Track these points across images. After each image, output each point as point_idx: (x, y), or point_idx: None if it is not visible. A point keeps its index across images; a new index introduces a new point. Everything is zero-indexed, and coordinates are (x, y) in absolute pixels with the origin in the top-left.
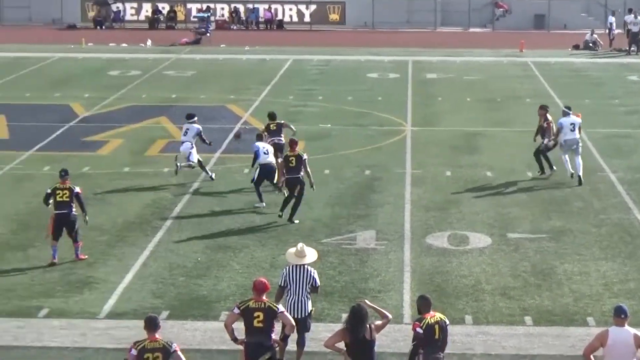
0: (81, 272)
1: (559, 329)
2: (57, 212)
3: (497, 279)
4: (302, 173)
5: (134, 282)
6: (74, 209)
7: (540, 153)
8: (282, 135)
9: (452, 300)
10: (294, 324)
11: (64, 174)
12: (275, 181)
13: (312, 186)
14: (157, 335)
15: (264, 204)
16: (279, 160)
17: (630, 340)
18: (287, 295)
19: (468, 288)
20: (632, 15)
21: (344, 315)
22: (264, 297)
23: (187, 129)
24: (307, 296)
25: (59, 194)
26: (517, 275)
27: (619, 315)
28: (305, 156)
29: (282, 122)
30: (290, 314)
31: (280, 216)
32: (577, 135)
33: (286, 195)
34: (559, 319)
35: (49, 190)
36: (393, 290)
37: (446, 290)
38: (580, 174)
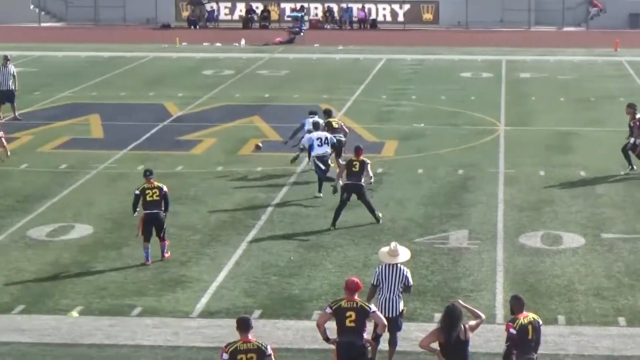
0: (174, 270)
1: None
2: (147, 211)
3: (591, 279)
4: (363, 179)
5: (227, 281)
6: (162, 208)
7: (626, 150)
8: (342, 134)
9: (544, 301)
10: (385, 323)
11: (149, 173)
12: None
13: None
14: (249, 336)
15: (321, 194)
16: (340, 161)
17: None
18: (379, 294)
19: (561, 288)
20: None
21: (437, 315)
22: (356, 297)
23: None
24: (399, 295)
25: (149, 193)
26: (611, 276)
27: None
28: (369, 162)
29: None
30: (381, 312)
31: (332, 228)
32: None
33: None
34: None
35: (137, 192)
36: (485, 290)
37: (539, 290)
38: None
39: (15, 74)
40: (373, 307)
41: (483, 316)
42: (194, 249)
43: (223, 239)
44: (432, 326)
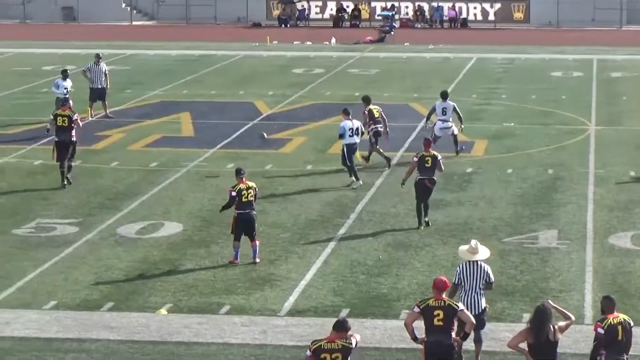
0: (262, 269)
1: None
2: (240, 211)
3: None
4: (436, 174)
5: (315, 279)
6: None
7: None
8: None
9: (634, 302)
10: (474, 321)
11: (242, 172)
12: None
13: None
14: (337, 338)
15: (360, 181)
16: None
17: None
18: (461, 292)
19: None
20: None
21: (525, 315)
22: (443, 296)
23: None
24: (481, 293)
25: (244, 194)
26: None
27: None
28: (440, 157)
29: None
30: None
31: (421, 227)
32: None
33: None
34: None
35: (234, 193)
36: (574, 291)
37: (628, 291)
38: None
39: (107, 72)
40: (461, 306)
41: (573, 317)
42: (283, 247)
43: (312, 237)
44: (521, 326)
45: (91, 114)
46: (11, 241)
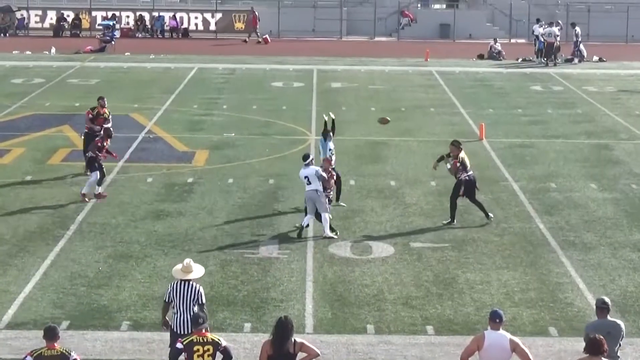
0: None
1: (461, 338)
2: None
3: (400, 289)
4: None
5: (34, 292)
6: None
7: None
8: None
9: (354, 310)
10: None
11: None
12: None
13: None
14: (55, 345)
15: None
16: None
17: (506, 343)
18: (174, 312)
19: (370, 297)
20: (548, 26)
21: (246, 325)
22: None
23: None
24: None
25: None
26: (420, 285)
27: (494, 320)
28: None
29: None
30: (178, 330)
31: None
32: None
33: None
34: (460, 328)
35: None
36: (295, 300)
37: (348, 299)
38: None
39: None
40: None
41: (319, 353)
42: (1, 260)
43: (31, 249)
44: (240, 336)
45: None
46: None
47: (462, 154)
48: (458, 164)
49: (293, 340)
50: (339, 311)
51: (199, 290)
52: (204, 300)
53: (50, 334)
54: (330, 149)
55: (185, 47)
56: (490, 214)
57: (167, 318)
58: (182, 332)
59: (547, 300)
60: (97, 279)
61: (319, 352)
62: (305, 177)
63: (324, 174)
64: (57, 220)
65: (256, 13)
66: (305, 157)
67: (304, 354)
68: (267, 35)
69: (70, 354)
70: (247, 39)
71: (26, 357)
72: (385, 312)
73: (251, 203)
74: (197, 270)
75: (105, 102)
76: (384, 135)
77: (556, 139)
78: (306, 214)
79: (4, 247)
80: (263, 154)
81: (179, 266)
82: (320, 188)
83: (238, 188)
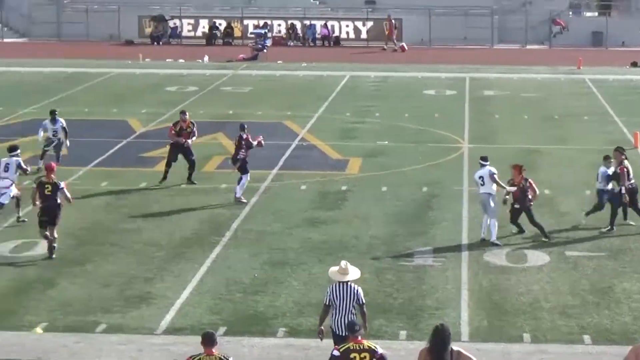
0: (138, 287)
1: (618, 348)
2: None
3: (556, 297)
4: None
5: (191, 298)
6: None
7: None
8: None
9: (510, 318)
10: None
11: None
12: None
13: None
14: (213, 350)
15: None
16: None
17: None
18: (334, 313)
19: (526, 306)
20: None
21: (402, 333)
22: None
23: (8, 164)
24: (352, 313)
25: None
26: (575, 294)
27: None
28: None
29: None
30: (338, 331)
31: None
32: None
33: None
34: (618, 337)
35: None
36: (450, 308)
37: (504, 307)
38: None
39: None
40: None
41: None
42: (159, 266)
43: (187, 255)
44: (396, 344)
45: None
46: None
47: (626, 162)
48: (625, 170)
49: (450, 348)
50: (495, 319)
51: (357, 291)
52: (363, 300)
53: (208, 340)
54: None
55: (337, 55)
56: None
57: (322, 327)
58: (341, 334)
59: None
60: (253, 285)
61: None
62: (480, 177)
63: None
64: (212, 227)
65: (392, 21)
66: (484, 158)
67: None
68: (404, 44)
69: (228, 357)
70: (385, 47)
71: None
72: (541, 321)
73: (405, 211)
74: (354, 272)
75: (187, 116)
76: (538, 144)
77: None
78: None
79: (161, 254)
80: (416, 162)
81: (335, 268)
82: (493, 191)
83: (392, 196)
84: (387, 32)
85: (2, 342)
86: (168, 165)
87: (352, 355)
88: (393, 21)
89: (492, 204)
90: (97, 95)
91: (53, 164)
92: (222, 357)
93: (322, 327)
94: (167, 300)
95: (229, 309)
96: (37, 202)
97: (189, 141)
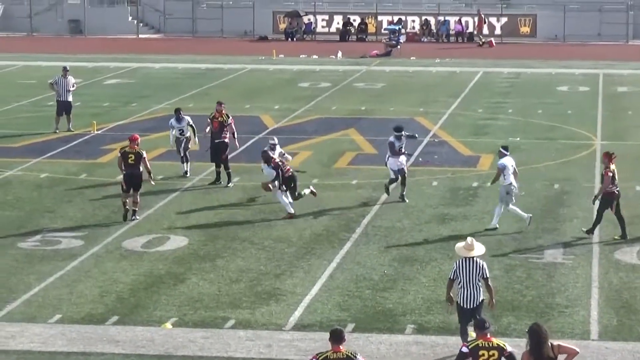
0: (268, 283)
1: None
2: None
3: None
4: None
5: (320, 294)
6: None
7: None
8: None
9: None
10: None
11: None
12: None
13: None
14: (341, 347)
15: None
16: None
17: None
18: (459, 287)
19: None
20: None
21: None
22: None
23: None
24: (478, 286)
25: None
26: None
27: None
28: None
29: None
30: (464, 304)
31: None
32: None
33: None
34: None
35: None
36: (580, 306)
37: (634, 306)
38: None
39: (74, 85)
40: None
41: (578, 350)
42: (289, 262)
43: (317, 252)
44: (525, 342)
45: (56, 128)
46: (16, 254)
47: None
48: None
49: (550, 344)
50: (625, 318)
51: (482, 265)
52: (488, 274)
53: (337, 337)
54: None
55: (470, 51)
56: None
57: (451, 294)
58: (467, 306)
59: None
60: (382, 282)
61: (577, 350)
62: (512, 166)
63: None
64: (342, 223)
65: (482, 15)
66: (505, 147)
67: (564, 355)
68: (492, 39)
69: (356, 357)
70: (480, 43)
71: (312, 359)
72: None
73: (536, 207)
74: (479, 248)
75: (222, 107)
76: None
77: None
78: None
79: (291, 249)
80: (549, 158)
81: (461, 244)
82: None
83: (524, 192)
84: (478, 27)
85: (132, 337)
86: (216, 166)
87: (480, 352)
88: (482, 16)
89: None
90: (230, 91)
91: (136, 135)
92: (350, 354)
93: (451, 295)
94: (296, 296)
95: (358, 306)
96: (123, 170)
97: (225, 138)
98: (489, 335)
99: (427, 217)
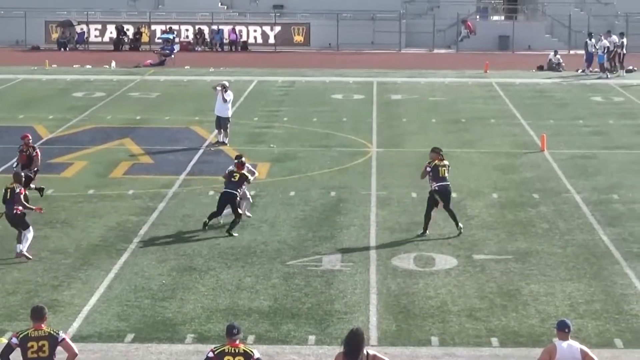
0: (45, 295)
1: (525, 350)
2: None
3: (464, 300)
4: None
5: (99, 304)
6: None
7: None
8: None
9: (418, 322)
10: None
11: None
12: None
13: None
14: (42, 325)
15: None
16: None
17: (578, 354)
18: None
19: (434, 309)
20: (614, 37)
21: (311, 338)
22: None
23: None
24: None
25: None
26: (484, 297)
27: (563, 330)
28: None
29: None
30: None
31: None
32: None
33: None
34: (525, 340)
35: None
36: (359, 312)
37: (412, 311)
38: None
39: None
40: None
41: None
42: (66, 273)
43: (95, 262)
44: (305, 349)
45: None
46: None
47: (443, 163)
48: (429, 169)
49: (366, 352)
50: (403, 323)
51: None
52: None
53: (38, 315)
54: None
55: (245, 60)
56: (460, 225)
57: None
58: None
59: (612, 312)
60: (161, 291)
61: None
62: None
63: None
64: (120, 233)
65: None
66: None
67: None
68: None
69: (58, 334)
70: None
71: (11, 338)
72: (449, 324)
73: (313, 216)
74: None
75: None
76: (445, 147)
77: (618, 149)
78: None
79: (68, 261)
80: (324, 166)
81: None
82: None
83: (300, 201)
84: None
85: None
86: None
87: (225, 358)
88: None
89: None
90: (2, 101)
91: None
92: (52, 332)
93: None
94: (74, 307)
95: (137, 316)
96: None
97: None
98: (237, 342)
99: (198, 226)
